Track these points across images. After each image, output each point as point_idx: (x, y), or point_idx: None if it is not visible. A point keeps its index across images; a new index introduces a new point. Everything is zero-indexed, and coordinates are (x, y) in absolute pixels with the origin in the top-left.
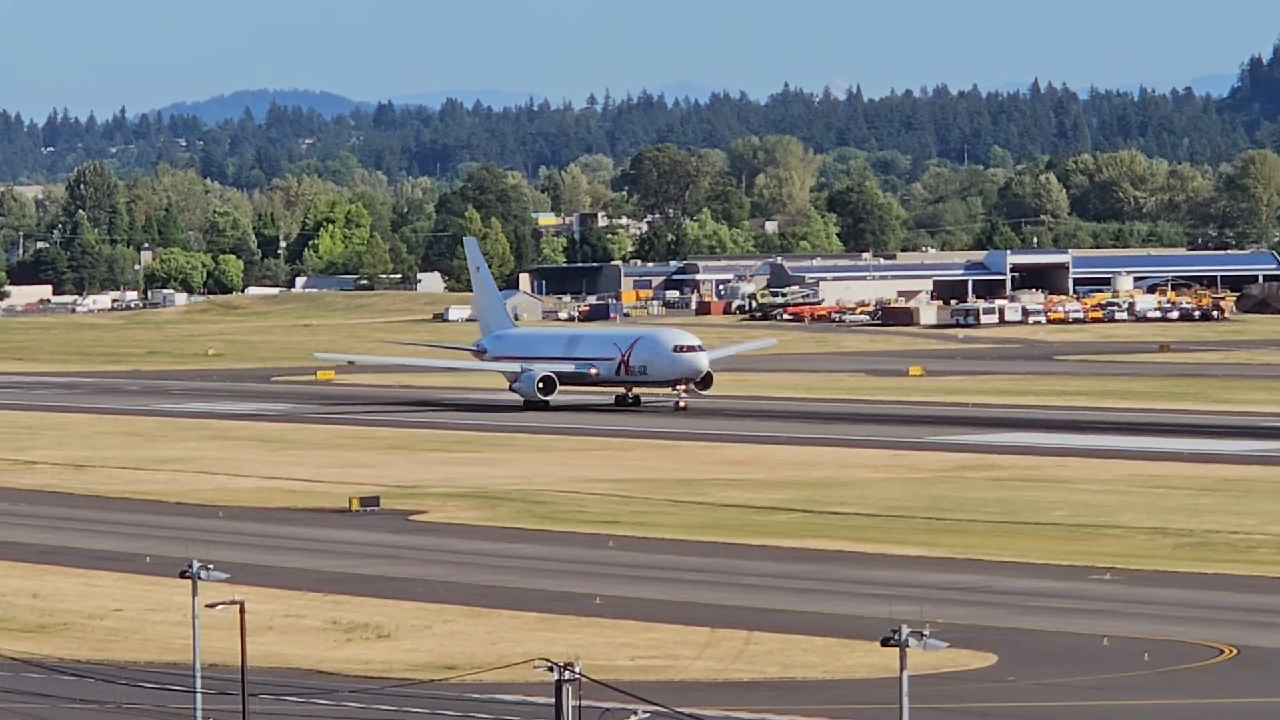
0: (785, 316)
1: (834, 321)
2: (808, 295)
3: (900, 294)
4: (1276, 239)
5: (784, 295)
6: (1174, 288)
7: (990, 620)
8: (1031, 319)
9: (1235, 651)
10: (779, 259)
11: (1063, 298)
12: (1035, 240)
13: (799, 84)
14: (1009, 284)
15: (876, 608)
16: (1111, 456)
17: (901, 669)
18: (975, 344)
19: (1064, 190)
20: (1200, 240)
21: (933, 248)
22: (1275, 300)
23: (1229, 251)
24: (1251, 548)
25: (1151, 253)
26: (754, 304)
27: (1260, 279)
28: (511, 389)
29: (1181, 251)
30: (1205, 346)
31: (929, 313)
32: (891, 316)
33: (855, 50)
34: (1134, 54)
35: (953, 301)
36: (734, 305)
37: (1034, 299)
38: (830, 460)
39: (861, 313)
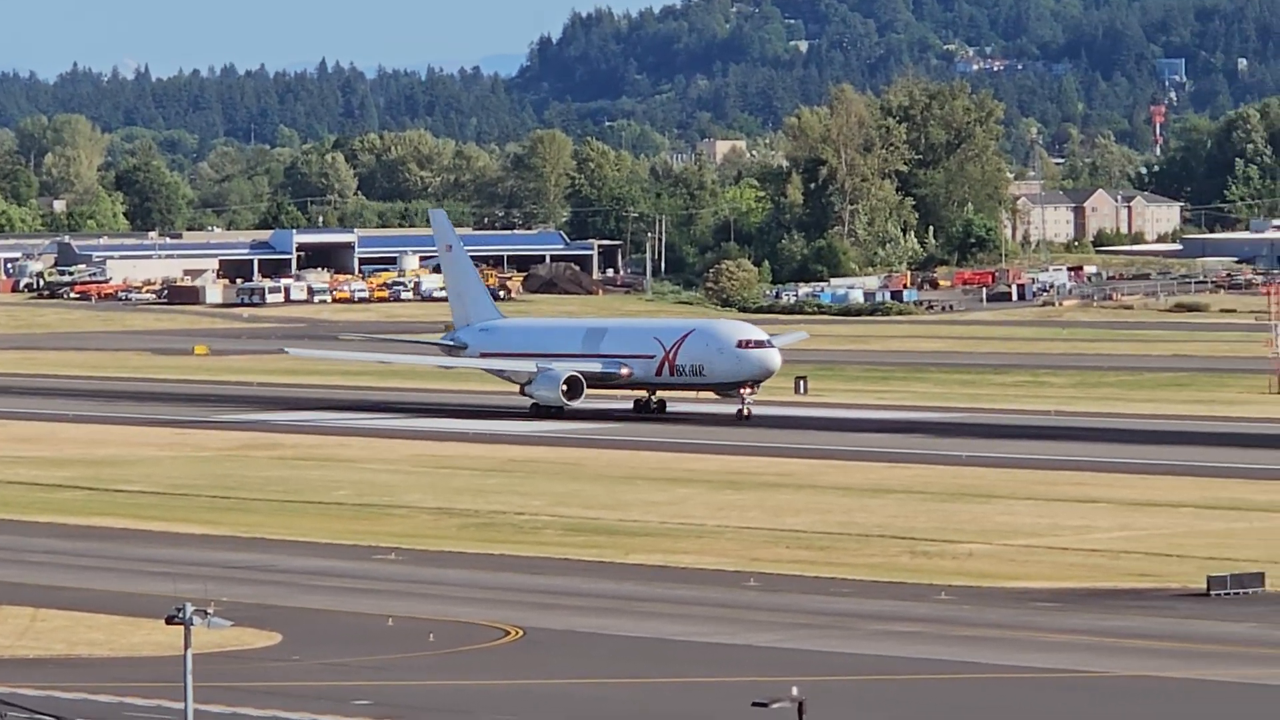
0: (73, 295)
1: (121, 300)
2: (95, 274)
3: (187, 273)
4: (564, 219)
5: (71, 274)
6: None
7: (275, 599)
8: (317, 298)
9: (521, 632)
10: (66, 238)
11: (348, 277)
12: (321, 220)
13: (88, 63)
14: (295, 263)
15: (162, 586)
16: (396, 437)
17: (186, 647)
18: (261, 323)
19: (351, 170)
20: (488, 220)
21: (219, 227)
22: (562, 280)
23: (516, 231)
24: (537, 529)
25: None
26: (41, 283)
27: (548, 259)
28: (524, 392)
29: (469, 231)
30: None
31: (215, 292)
32: (178, 295)
33: (144, 29)
34: (422, 34)
35: (239, 280)
36: (22, 284)
37: (320, 278)
38: (116, 438)
39: (148, 291)
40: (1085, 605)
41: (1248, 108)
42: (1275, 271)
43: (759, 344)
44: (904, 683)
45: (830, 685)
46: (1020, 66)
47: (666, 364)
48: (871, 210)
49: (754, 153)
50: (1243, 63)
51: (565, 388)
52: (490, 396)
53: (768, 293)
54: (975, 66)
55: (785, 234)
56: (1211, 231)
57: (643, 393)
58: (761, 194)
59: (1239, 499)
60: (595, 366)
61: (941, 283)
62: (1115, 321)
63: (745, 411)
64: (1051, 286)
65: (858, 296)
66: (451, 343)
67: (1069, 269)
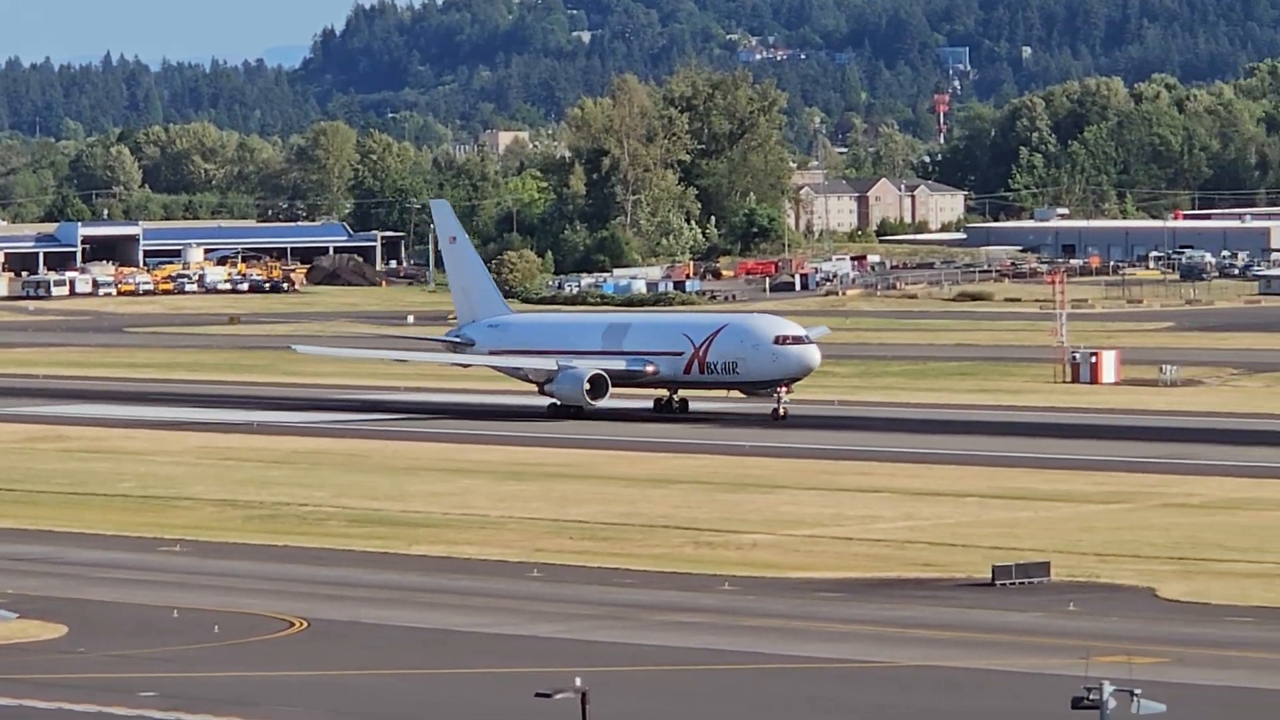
0: None
1: None
2: None
3: None
4: (347, 211)
5: None
6: (244, 259)
7: (60, 591)
8: (102, 291)
9: (306, 624)
10: None
11: (133, 270)
12: (106, 213)
13: None
14: (80, 256)
15: None
16: (181, 428)
17: None
18: (46, 316)
19: (136, 162)
20: (271, 212)
21: (4, 220)
22: (345, 272)
23: (300, 223)
24: (321, 520)
25: (222, 224)
26: None
27: (331, 250)
28: (543, 391)
29: (253, 223)
30: (276, 318)
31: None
32: None
33: None
34: (206, 26)
35: (24, 273)
36: None
37: (105, 271)
38: None
39: None
40: (870, 595)
41: (1031, 95)
42: (1059, 260)
43: (796, 340)
44: (688, 673)
45: (614, 676)
46: (804, 56)
47: (696, 361)
48: (654, 200)
49: (537, 143)
50: (1027, 51)
51: (589, 387)
52: (277, 389)
53: (550, 283)
54: (758, 56)
55: (568, 224)
56: (996, 220)
57: (663, 392)
58: (544, 185)
59: (1024, 488)
60: (619, 364)
61: (725, 273)
62: (899, 311)
63: (781, 411)
64: (835, 276)
65: (640, 287)
66: (458, 339)
67: (852, 258)
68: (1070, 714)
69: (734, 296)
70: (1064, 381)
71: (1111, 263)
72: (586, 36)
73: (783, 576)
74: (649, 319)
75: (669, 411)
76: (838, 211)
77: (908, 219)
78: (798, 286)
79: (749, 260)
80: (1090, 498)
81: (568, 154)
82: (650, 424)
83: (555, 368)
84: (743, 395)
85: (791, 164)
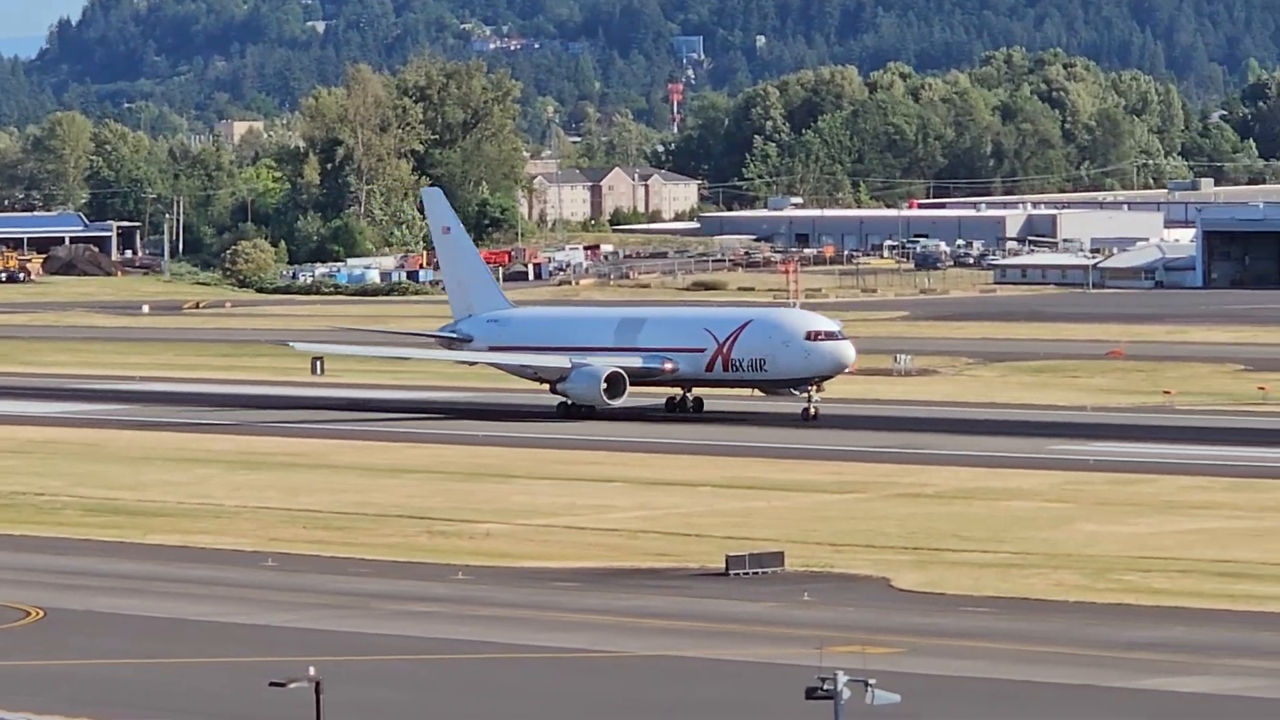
0: None
1: None
2: None
3: None
4: (83, 201)
5: None
6: None
7: None
8: None
9: (42, 613)
10: None
11: None
12: None
13: None
14: None
15: None
16: None
17: None
18: None
19: None
20: (7, 202)
21: None
22: (81, 262)
23: (36, 213)
24: (57, 509)
25: None
26: None
27: (67, 240)
28: (555, 390)
29: None
30: (12, 308)
31: None
32: None
33: None
34: None
35: None
36: None
37: None
38: None
39: None
40: (603, 585)
41: (766, 85)
42: (793, 249)
43: (830, 335)
44: (421, 663)
45: (348, 665)
46: (537, 45)
47: (720, 358)
48: (388, 190)
49: (271, 133)
50: (761, 40)
51: (605, 385)
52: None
53: (285, 273)
54: (492, 45)
55: (302, 214)
56: (730, 209)
57: (677, 390)
58: (279, 175)
59: (758, 478)
60: (635, 361)
61: None
62: (632, 300)
63: (812, 410)
64: (568, 266)
65: (374, 276)
66: (453, 335)
67: (585, 248)
68: (804, 704)
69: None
70: None
71: (846, 252)
72: (321, 26)
73: (516, 566)
74: (666, 313)
75: (683, 410)
76: (571, 201)
77: (641, 208)
78: (531, 276)
79: (483, 249)
80: (824, 487)
81: (302, 144)
82: (383, 414)
83: (569, 365)
84: (760, 393)
85: (525, 153)
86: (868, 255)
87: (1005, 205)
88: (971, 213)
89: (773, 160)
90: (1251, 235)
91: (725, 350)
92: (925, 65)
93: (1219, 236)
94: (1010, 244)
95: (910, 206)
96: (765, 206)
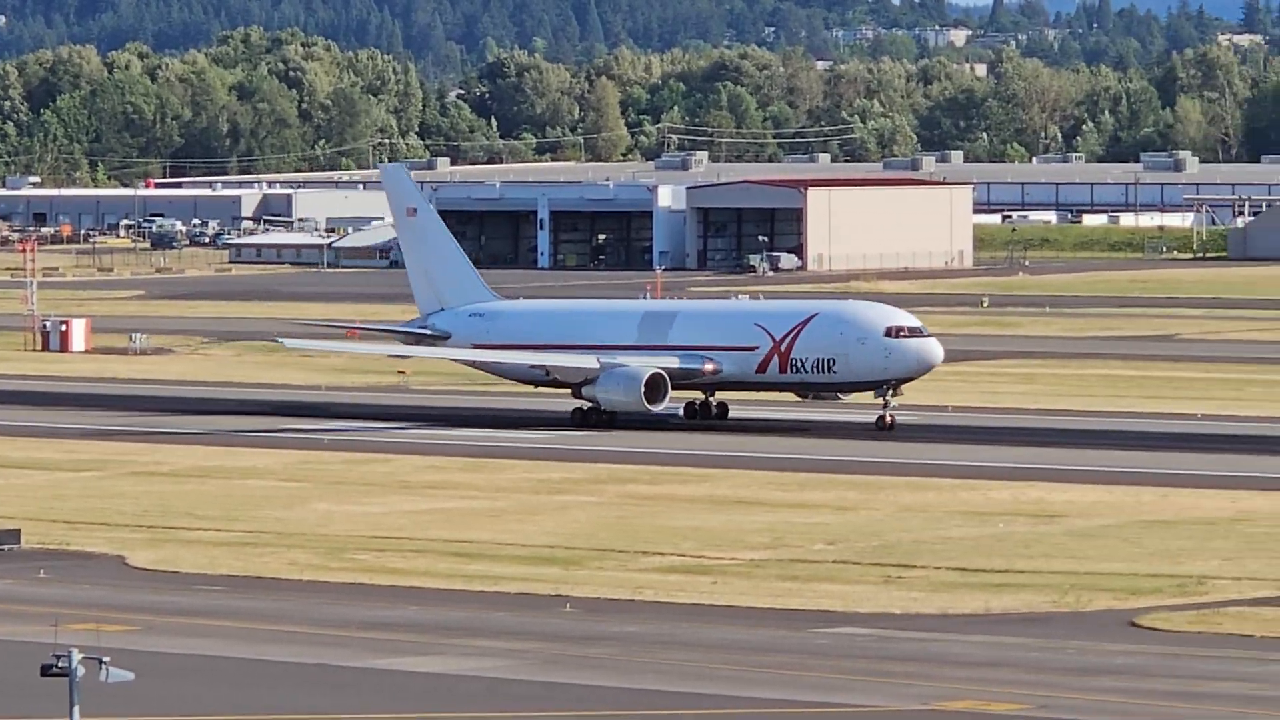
0: None
1: None
2: None
3: None
4: None
5: None
6: None
7: None
8: None
9: None
10: None
11: None
12: None
13: None
14: None
15: None
16: None
17: None
18: None
19: None
20: None
21: None
22: None
23: None
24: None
25: None
26: None
27: None
28: (580, 395)
29: None
30: None
31: None
32: None
33: None
34: None
35: None
36: None
37: None
38: None
39: None
40: None
41: (5, 64)
42: (30, 228)
43: (913, 332)
44: None
45: None
46: None
47: (777, 357)
48: None
49: None
50: (1, 20)
51: (647, 389)
52: None
53: None
54: None
55: None
56: None
57: (699, 394)
58: None
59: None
60: (671, 361)
61: None
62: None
63: (888, 420)
64: None
65: None
66: (425, 331)
67: None
68: (40, 681)
69: None
70: (35, 350)
71: (83, 231)
72: None
73: None
74: (701, 306)
75: (706, 416)
76: None
77: None
78: None
79: None
80: (61, 465)
81: None
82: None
83: (597, 365)
84: (799, 397)
85: None
86: (105, 234)
87: (241, 185)
88: (208, 192)
89: (11, 140)
90: (487, 215)
91: (784, 348)
92: (164, 45)
93: (454, 215)
94: (246, 223)
95: (147, 186)
96: (3, 185)
